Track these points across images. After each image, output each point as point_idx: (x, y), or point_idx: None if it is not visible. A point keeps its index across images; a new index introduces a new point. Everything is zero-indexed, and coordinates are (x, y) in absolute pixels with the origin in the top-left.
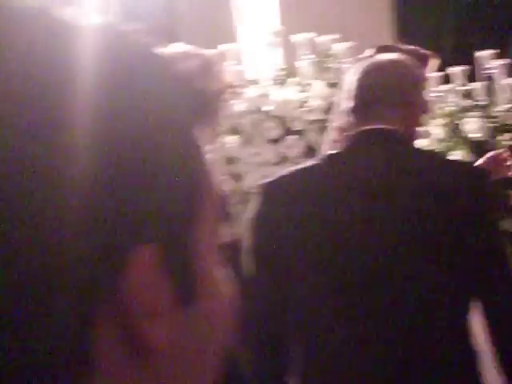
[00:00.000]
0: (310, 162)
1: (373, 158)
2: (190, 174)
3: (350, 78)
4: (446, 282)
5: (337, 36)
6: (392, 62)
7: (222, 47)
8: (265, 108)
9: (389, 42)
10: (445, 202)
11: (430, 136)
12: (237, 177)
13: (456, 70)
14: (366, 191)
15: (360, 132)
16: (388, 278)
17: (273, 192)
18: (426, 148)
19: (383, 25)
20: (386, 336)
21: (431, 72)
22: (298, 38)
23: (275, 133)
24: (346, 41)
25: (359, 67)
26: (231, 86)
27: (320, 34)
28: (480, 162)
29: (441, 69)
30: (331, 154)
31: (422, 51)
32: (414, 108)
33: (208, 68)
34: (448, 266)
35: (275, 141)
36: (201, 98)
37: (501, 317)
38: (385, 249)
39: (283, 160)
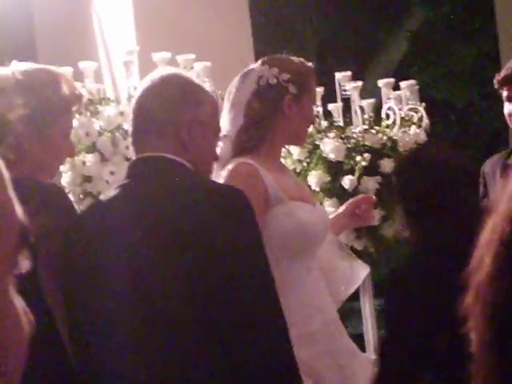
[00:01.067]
0: (108, 193)
1: (135, 191)
2: None
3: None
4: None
5: (193, 55)
6: (163, 84)
7: (81, 64)
8: (123, 126)
9: (249, 62)
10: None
11: (291, 156)
12: (94, 196)
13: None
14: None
15: (132, 161)
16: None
17: (70, 231)
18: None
19: (243, 46)
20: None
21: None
22: (157, 56)
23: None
24: (204, 60)
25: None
26: (82, 102)
27: (178, 53)
28: (343, 207)
29: None
30: (121, 185)
31: (308, 64)
32: (173, 132)
33: (55, 81)
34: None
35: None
36: (43, 107)
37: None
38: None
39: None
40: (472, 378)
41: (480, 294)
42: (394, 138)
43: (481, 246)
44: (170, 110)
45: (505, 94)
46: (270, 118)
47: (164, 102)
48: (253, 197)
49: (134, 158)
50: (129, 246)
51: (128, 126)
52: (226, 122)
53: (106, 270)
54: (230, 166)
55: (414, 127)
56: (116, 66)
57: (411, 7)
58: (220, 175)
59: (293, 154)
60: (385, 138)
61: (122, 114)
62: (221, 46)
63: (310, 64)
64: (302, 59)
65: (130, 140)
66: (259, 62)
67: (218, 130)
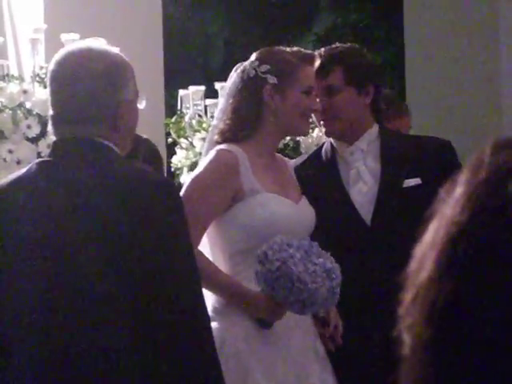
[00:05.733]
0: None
1: (54, 174)
2: None
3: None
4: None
5: (102, 39)
6: (82, 61)
7: None
8: (26, 105)
9: (156, 50)
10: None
11: (194, 149)
12: None
13: (222, 85)
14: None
15: (57, 141)
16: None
17: None
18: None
19: (153, 32)
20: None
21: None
22: (65, 37)
23: (34, 131)
24: (113, 45)
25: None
26: None
27: (87, 36)
28: None
29: (209, 83)
30: (39, 163)
31: (306, 51)
32: (108, 112)
33: None
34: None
35: (34, 139)
36: None
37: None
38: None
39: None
40: (401, 379)
41: (419, 295)
42: (297, 139)
43: (422, 248)
44: (100, 88)
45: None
46: (253, 111)
47: (94, 80)
48: (218, 185)
49: (55, 138)
50: (45, 227)
51: (31, 104)
52: (216, 113)
53: (20, 251)
54: (212, 151)
55: (317, 130)
56: (22, 44)
57: (320, 12)
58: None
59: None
60: (287, 138)
61: (25, 92)
62: (130, 32)
63: (308, 52)
64: (300, 48)
65: (31, 119)
66: (253, 55)
67: (139, 101)
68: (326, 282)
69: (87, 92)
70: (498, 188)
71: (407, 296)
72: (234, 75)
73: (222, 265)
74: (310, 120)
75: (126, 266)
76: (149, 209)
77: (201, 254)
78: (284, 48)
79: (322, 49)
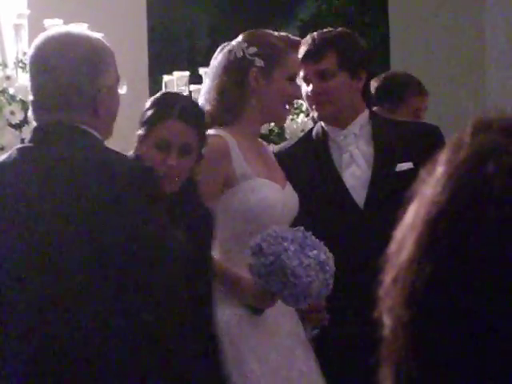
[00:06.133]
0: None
1: (32, 161)
2: None
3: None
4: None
5: (86, 25)
6: (63, 46)
7: None
8: (9, 91)
9: (140, 36)
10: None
11: None
12: None
13: (206, 71)
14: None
15: (38, 126)
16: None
17: None
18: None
19: (136, 18)
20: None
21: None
22: (48, 23)
23: (17, 117)
24: (97, 30)
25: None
26: None
27: (70, 21)
28: None
29: (193, 69)
30: (19, 148)
31: (294, 38)
32: (87, 96)
33: None
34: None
35: (17, 125)
36: None
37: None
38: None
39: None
40: (381, 361)
41: (399, 276)
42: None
43: (402, 229)
44: (80, 74)
45: (301, 74)
46: (237, 92)
47: (74, 66)
48: (210, 172)
49: (36, 122)
50: (25, 210)
51: (14, 90)
52: (201, 93)
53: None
54: (208, 135)
55: (302, 115)
56: (5, 29)
57: None
58: None
59: None
60: (272, 124)
61: (8, 78)
62: (114, 17)
63: (296, 39)
64: (288, 34)
65: (15, 105)
66: (240, 36)
67: (119, 85)
68: (320, 275)
69: (67, 78)
70: (478, 168)
71: (387, 277)
72: (219, 55)
73: (214, 251)
74: (292, 107)
75: (100, 248)
76: (125, 192)
77: None
78: (272, 32)
79: (315, 33)
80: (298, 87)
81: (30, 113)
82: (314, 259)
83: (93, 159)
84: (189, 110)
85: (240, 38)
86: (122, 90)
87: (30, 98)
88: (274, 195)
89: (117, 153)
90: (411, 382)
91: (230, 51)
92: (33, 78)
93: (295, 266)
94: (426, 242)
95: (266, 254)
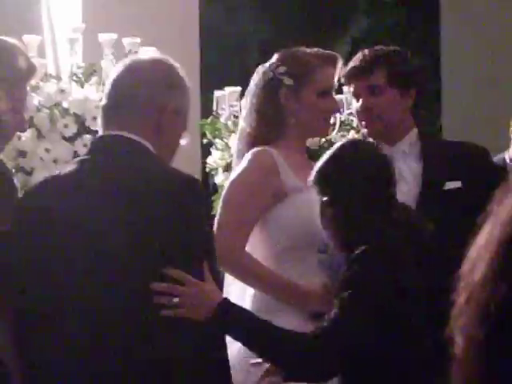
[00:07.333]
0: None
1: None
2: None
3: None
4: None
5: (139, 39)
6: (144, 64)
7: (25, 38)
8: (63, 104)
9: (192, 51)
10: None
11: (229, 150)
12: (26, 171)
13: None
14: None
15: (95, 138)
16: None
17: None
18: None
19: (189, 35)
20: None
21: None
22: (103, 37)
23: (71, 130)
24: (150, 45)
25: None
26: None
27: (124, 36)
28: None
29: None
30: (78, 161)
31: (325, 52)
32: (157, 115)
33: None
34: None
35: (70, 138)
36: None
37: None
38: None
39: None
40: (453, 378)
41: (473, 295)
42: (332, 140)
43: (476, 249)
44: (156, 92)
45: (352, 89)
46: (274, 112)
47: (151, 84)
48: (259, 187)
49: (100, 133)
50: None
51: (68, 104)
52: (241, 116)
53: (61, 242)
54: (248, 153)
55: (352, 132)
56: (60, 43)
57: (357, 15)
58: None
59: None
60: (323, 140)
61: (62, 91)
62: (166, 32)
63: (327, 52)
64: (320, 49)
65: (68, 119)
66: (274, 56)
67: (186, 124)
68: None
69: (136, 92)
70: None
71: (460, 297)
72: (256, 76)
73: (267, 264)
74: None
75: (153, 252)
76: (176, 201)
77: (249, 255)
78: (305, 49)
79: (366, 50)
80: (333, 100)
81: (85, 124)
82: None
83: (147, 169)
84: None
85: (273, 58)
86: (183, 142)
87: (102, 102)
88: None
89: (168, 166)
90: None
91: (264, 72)
92: (108, 92)
93: None
94: (499, 263)
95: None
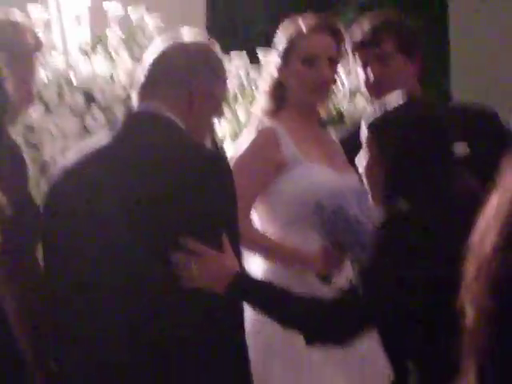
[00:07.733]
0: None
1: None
2: None
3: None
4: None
5: (145, 9)
6: (185, 45)
7: (32, 14)
8: (71, 79)
9: (198, 18)
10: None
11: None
12: (36, 146)
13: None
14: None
15: (126, 115)
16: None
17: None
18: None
19: (196, 8)
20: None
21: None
22: (108, 7)
23: (79, 104)
24: (154, 11)
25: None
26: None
27: (127, 4)
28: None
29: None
30: (108, 135)
31: (313, 20)
32: (186, 91)
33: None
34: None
35: (79, 112)
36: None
37: None
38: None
39: (85, 132)
40: (463, 349)
41: (484, 266)
42: (340, 110)
43: (485, 220)
44: (195, 71)
45: (359, 61)
46: (274, 82)
47: (191, 62)
48: (260, 162)
49: (135, 105)
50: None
51: (76, 78)
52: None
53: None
54: (251, 129)
55: (362, 99)
56: (66, 17)
57: None
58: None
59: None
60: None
61: (70, 65)
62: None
63: (315, 21)
64: (311, 17)
65: (76, 93)
66: None
67: (220, 108)
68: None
69: (180, 71)
70: None
71: (470, 268)
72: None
73: (273, 236)
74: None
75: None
76: (201, 179)
77: (251, 225)
78: (299, 16)
79: (369, 17)
80: (320, 69)
81: (94, 98)
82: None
83: (173, 144)
84: None
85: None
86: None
87: (139, 77)
88: (323, 179)
89: (195, 142)
90: (494, 372)
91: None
92: (149, 64)
93: (357, 214)
94: (509, 233)
95: (328, 207)
